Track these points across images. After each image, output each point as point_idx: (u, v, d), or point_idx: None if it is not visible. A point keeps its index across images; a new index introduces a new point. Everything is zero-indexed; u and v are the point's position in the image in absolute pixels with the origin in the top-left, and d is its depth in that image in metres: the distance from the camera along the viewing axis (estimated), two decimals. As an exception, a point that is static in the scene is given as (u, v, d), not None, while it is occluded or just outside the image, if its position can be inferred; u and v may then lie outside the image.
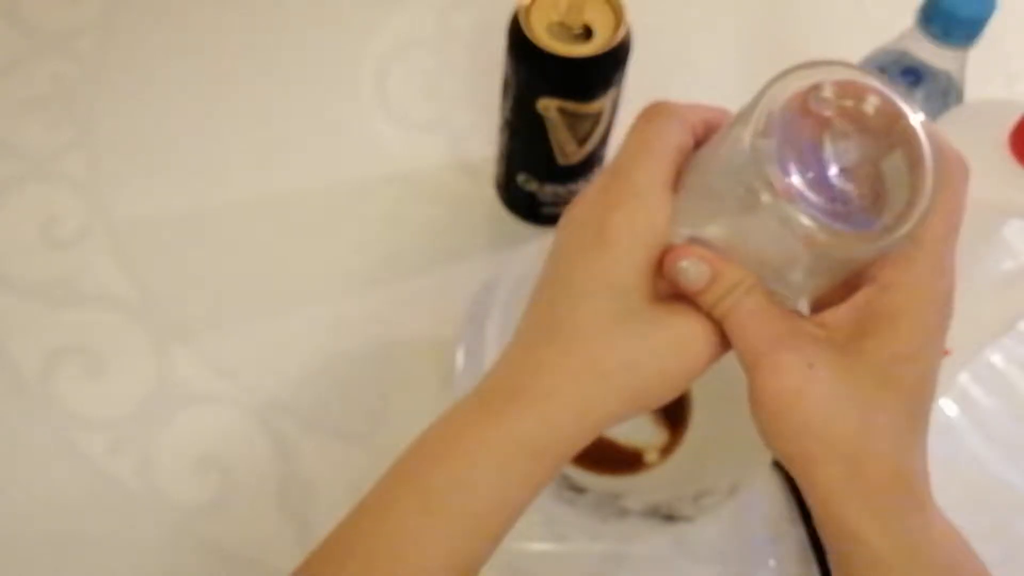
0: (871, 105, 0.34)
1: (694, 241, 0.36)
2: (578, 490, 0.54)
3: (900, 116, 0.34)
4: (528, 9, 0.54)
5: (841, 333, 0.35)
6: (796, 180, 0.33)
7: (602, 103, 0.56)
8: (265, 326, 0.62)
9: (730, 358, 0.37)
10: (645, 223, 0.36)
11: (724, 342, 0.36)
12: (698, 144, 0.38)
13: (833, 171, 0.33)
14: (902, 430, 0.35)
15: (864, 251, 0.33)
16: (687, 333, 0.36)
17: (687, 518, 0.53)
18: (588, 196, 0.38)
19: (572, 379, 0.36)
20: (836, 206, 0.33)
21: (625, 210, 0.36)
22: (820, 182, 0.33)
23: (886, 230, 0.33)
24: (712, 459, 0.57)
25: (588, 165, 0.61)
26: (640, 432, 0.58)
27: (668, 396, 0.37)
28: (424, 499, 0.36)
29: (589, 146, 0.59)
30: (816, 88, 0.34)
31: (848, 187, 0.33)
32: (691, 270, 0.36)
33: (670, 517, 0.53)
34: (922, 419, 0.35)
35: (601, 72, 0.55)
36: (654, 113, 0.37)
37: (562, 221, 0.39)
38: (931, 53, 0.52)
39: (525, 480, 0.36)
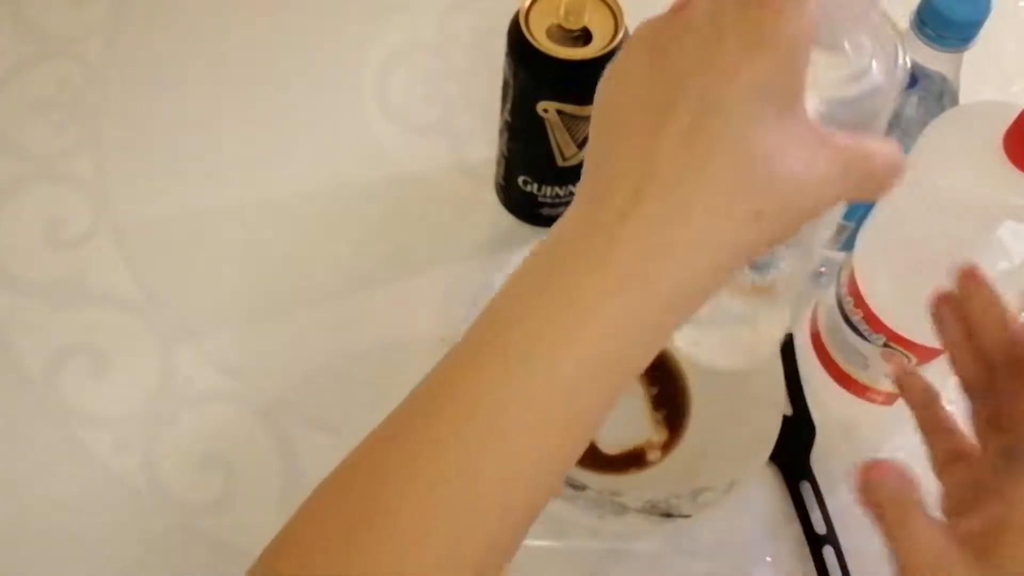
0: None
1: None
2: (577, 487, 0.55)
3: None
4: (528, 12, 0.55)
5: (974, 542, 0.36)
6: None
7: (601, 105, 0.57)
8: (268, 326, 0.62)
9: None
10: (801, 28, 0.30)
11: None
12: None
13: None
14: None
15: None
16: (849, 160, 0.32)
17: (685, 515, 0.53)
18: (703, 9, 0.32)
19: (731, 223, 0.31)
20: None
21: (782, 15, 0.30)
22: None
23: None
24: (710, 457, 0.57)
25: (587, 166, 0.62)
26: (641, 432, 0.59)
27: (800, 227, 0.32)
28: (577, 363, 0.32)
29: (588, 148, 0.60)
30: None
31: None
32: None
33: (668, 514, 0.54)
34: None
35: (600, 75, 0.55)
36: None
37: (642, 31, 0.34)
38: (926, 56, 0.52)
39: (657, 335, 0.32)
